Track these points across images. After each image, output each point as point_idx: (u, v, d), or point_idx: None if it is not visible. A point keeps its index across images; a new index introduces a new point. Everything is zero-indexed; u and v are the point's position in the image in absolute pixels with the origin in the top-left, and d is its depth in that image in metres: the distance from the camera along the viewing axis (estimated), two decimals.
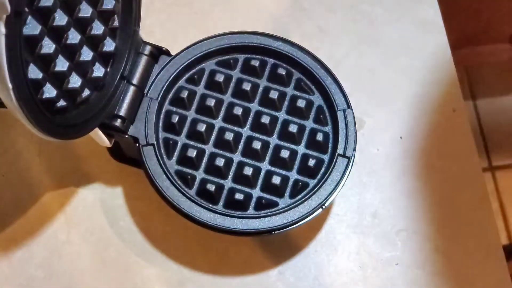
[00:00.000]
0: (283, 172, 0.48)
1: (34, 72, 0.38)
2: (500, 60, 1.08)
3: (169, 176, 0.47)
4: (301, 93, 0.51)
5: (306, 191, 0.48)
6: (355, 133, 0.49)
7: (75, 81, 0.42)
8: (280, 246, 0.52)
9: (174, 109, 0.50)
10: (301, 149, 0.49)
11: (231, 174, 0.48)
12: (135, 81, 0.48)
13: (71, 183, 0.53)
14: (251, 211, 0.47)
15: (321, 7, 0.61)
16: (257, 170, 0.48)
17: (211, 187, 0.48)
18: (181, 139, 0.49)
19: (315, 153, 0.49)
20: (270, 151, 0.49)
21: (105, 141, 0.47)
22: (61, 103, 0.41)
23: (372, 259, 0.51)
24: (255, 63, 0.51)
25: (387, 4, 0.61)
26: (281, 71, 0.51)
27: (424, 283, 0.51)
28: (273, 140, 0.49)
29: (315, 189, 0.47)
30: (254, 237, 0.51)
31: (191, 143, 0.49)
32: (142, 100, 0.48)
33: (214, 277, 0.51)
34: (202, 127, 0.49)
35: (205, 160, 0.49)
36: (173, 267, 0.51)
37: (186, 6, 0.60)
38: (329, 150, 0.49)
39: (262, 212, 0.47)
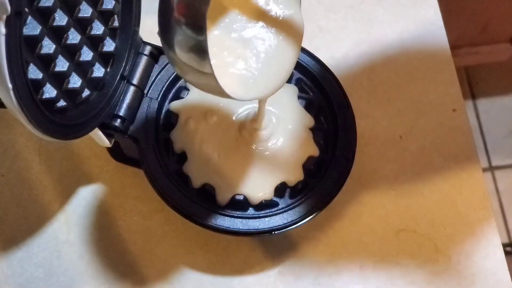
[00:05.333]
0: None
1: (34, 72, 0.38)
2: (500, 60, 1.08)
3: (169, 176, 0.47)
4: (301, 93, 0.51)
5: (306, 191, 0.48)
6: (355, 133, 0.49)
7: (75, 81, 0.42)
8: (280, 246, 0.52)
9: None
10: None
11: None
12: (135, 81, 0.48)
13: (71, 183, 0.53)
14: (251, 211, 0.47)
15: (321, 7, 0.61)
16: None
17: (211, 187, 0.48)
18: None
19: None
20: None
21: (105, 141, 0.47)
22: (61, 103, 0.41)
23: (372, 259, 0.51)
24: None
25: (387, 4, 0.61)
26: None
27: (424, 283, 0.51)
28: None
29: (315, 189, 0.47)
30: (254, 237, 0.51)
31: None
32: (142, 100, 0.48)
33: (214, 277, 0.51)
34: None
35: None
36: (173, 267, 0.51)
37: None
38: (329, 150, 0.49)
39: (262, 212, 0.47)
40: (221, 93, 0.35)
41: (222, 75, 0.36)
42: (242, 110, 0.49)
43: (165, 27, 0.34)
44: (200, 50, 0.33)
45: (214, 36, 0.38)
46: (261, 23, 0.39)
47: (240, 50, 0.39)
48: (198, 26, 0.32)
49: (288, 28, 0.40)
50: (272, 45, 0.39)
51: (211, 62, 0.33)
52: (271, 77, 0.39)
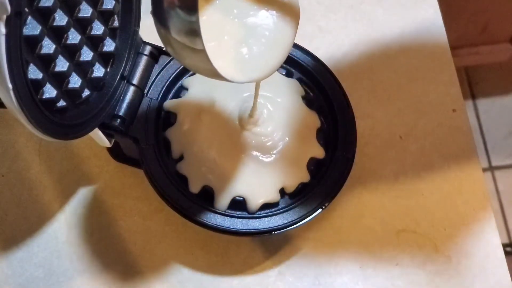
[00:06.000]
0: None
1: (34, 72, 0.38)
2: (500, 60, 1.08)
3: (169, 176, 0.47)
4: None
5: (306, 191, 0.48)
6: (355, 133, 0.49)
7: (75, 81, 0.42)
8: (280, 246, 0.52)
9: None
10: None
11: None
12: (135, 81, 0.48)
13: (71, 183, 0.53)
14: None
15: (321, 7, 0.61)
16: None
17: (211, 188, 0.48)
18: None
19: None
20: None
21: (105, 141, 0.47)
22: (61, 103, 0.41)
23: (372, 259, 0.51)
24: None
25: (387, 4, 0.61)
26: (281, 71, 0.51)
27: (424, 283, 0.51)
28: None
29: (315, 189, 0.47)
30: (254, 237, 0.51)
31: None
32: (142, 100, 0.48)
33: (214, 277, 0.51)
34: None
35: None
36: (173, 267, 0.51)
37: None
38: (329, 150, 0.49)
39: (262, 212, 0.47)
40: (216, 74, 0.35)
41: (220, 57, 0.36)
42: (239, 107, 0.49)
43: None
44: (192, 25, 0.32)
45: (214, 20, 0.38)
46: (260, 8, 0.39)
47: (239, 34, 0.39)
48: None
49: (285, 12, 0.40)
50: (271, 29, 0.39)
51: (210, 45, 0.33)
52: (269, 60, 0.39)
